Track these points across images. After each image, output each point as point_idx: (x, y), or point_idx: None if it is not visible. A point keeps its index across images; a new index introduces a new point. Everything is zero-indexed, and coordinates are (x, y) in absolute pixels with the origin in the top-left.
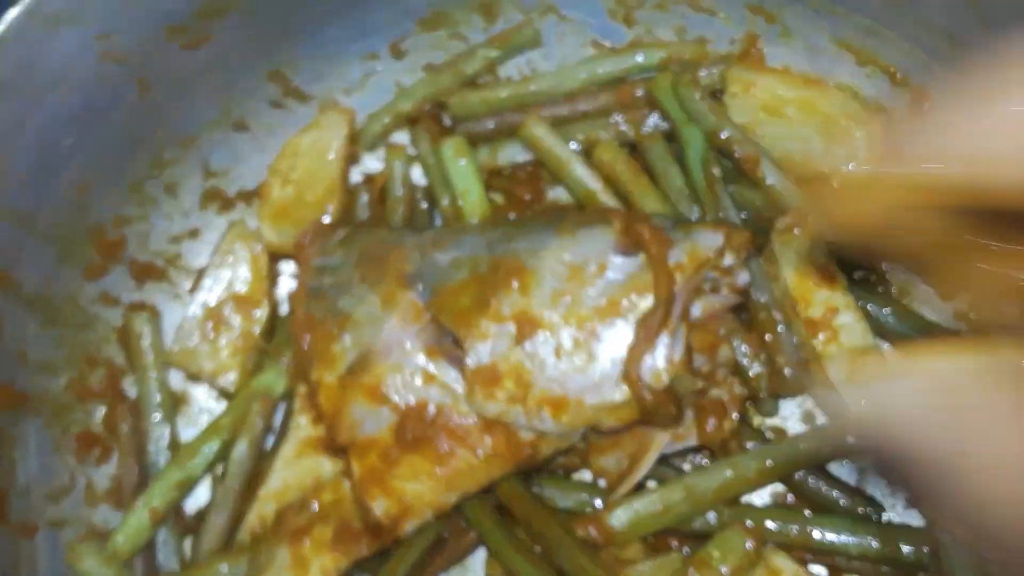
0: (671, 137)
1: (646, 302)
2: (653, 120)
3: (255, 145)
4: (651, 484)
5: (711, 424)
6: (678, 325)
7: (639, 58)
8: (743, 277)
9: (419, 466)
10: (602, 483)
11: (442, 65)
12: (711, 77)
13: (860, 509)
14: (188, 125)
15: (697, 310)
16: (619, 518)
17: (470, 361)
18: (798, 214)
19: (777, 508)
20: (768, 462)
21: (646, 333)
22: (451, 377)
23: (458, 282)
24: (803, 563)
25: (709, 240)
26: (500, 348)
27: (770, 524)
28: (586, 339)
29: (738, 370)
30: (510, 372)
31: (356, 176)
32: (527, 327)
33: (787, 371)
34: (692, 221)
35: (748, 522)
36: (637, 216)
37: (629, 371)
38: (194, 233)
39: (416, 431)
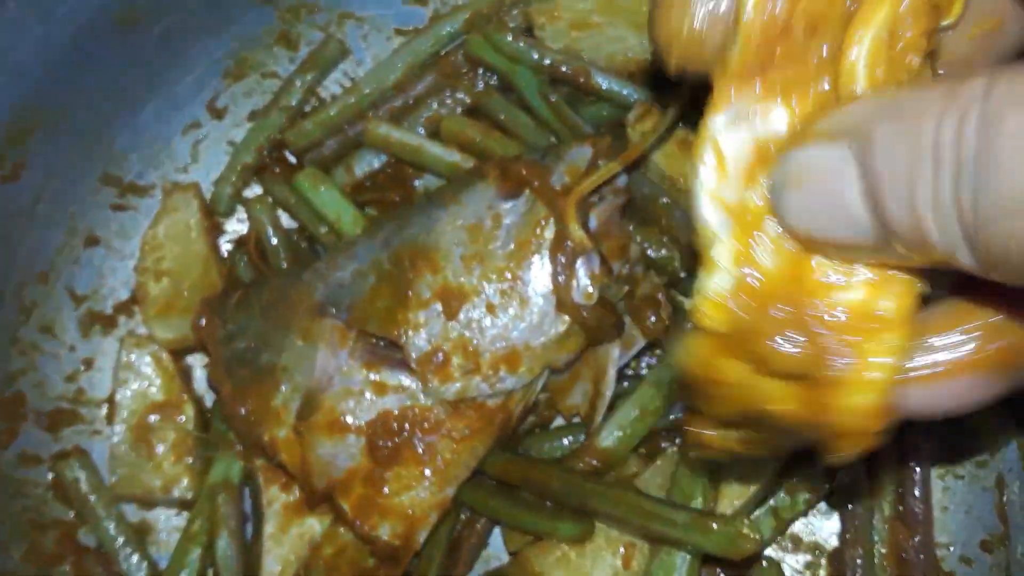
0: (505, 89)
1: (549, 231)
2: (482, 79)
3: (113, 254)
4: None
5: (651, 319)
6: (582, 239)
7: (446, 28)
8: (621, 178)
9: (406, 475)
10: (577, 420)
11: (265, 108)
12: (516, 19)
13: None
14: (39, 259)
15: (593, 221)
16: (607, 438)
17: (413, 355)
18: (642, 104)
19: None
20: None
21: (562, 258)
22: (401, 379)
23: (369, 290)
24: None
25: (579, 154)
26: (435, 331)
27: None
28: (511, 288)
29: (651, 262)
30: (454, 348)
31: (226, 246)
32: (452, 300)
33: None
34: (557, 145)
35: None
36: (507, 160)
37: (562, 299)
38: (88, 363)
39: (389, 443)
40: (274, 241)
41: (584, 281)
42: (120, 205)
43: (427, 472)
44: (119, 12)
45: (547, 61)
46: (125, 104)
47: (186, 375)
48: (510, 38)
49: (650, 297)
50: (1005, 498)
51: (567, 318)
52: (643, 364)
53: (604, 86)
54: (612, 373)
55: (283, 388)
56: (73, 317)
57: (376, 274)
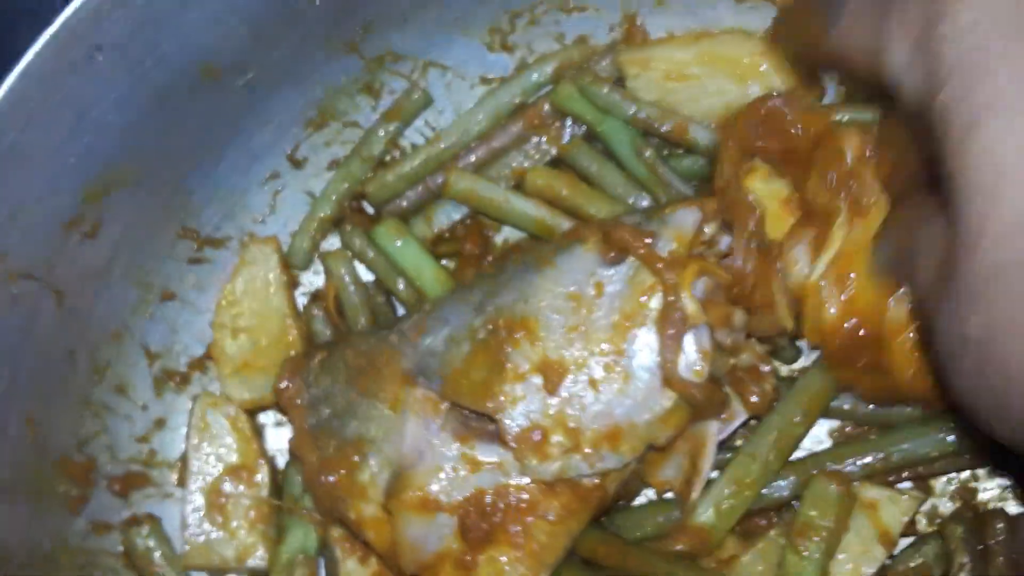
0: (592, 139)
1: (655, 301)
2: (569, 129)
3: (189, 309)
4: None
5: (753, 392)
6: (696, 311)
7: (533, 77)
8: (725, 241)
9: (499, 558)
10: (669, 495)
11: (346, 158)
12: (607, 69)
13: (918, 410)
14: (114, 316)
15: (700, 290)
16: (704, 515)
17: (509, 430)
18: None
19: (845, 444)
20: (805, 397)
21: (671, 331)
22: (496, 455)
23: (463, 358)
24: (891, 486)
25: (686, 217)
26: (534, 406)
27: (849, 464)
28: (615, 361)
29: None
30: (554, 425)
31: (303, 299)
32: (553, 374)
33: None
34: (658, 207)
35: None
36: (608, 224)
37: (670, 375)
38: (160, 423)
39: (482, 524)
40: (354, 297)
41: (693, 356)
42: (197, 259)
43: (520, 556)
44: (205, 65)
45: (642, 114)
46: (205, 156)
47: (259, 435)
48: (604, 89)
49: (753, 368)
50: None
51: (672, 394)
52: (740, 437)
53: (704, 141)
54: (712, 448)
55: (371, 461)
56: (147, 375)
57: (470, 342)
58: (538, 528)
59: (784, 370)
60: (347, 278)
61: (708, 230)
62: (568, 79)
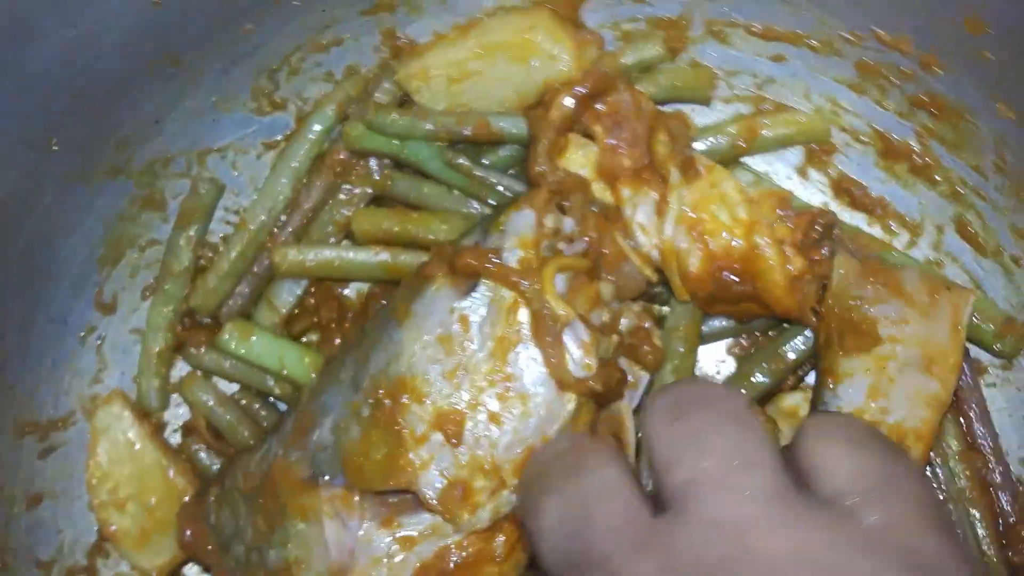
0: (403, 165)
1: (523, 314)
2: (374, 165)
3: (63, 502)
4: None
5: (647, 353)
6: (566, 310)
7: (315, 127)
8: (568, 224)
9: None
10: None
11: (157, 280)
12: (389, 92)
13: None
14: None
15: (562, 284)
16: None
17: (431, 497)
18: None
19: (745, 359)
20: (680, 330)
21: (548, 338)
22: (426, 521)
23: (357, 442)
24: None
25: (521, 220)
26: (445, 463)
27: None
28: (506, 388)
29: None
30: (472, 473)
31: (176, 437)
32: (451, 425)
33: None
34: (492, 218)
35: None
36: (447, 252)
37: (562, 380)
38: None
39: None
40: (225, 416)
41: (578, 353)
42: (48, 449)
43: None
44: None
45: (439, 126)
46: (8, 343)
47: None
48: (390, 116)
49: (637, 329)
50: None
51: (572, 395)
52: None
53: (510, 129)
54: (631, 421)
55: None
56: None
57: (358, 423)
58: (489, 572)
59: (665, 311)
60: (211, 401)
61: (548, 222)
62: (353, 118)
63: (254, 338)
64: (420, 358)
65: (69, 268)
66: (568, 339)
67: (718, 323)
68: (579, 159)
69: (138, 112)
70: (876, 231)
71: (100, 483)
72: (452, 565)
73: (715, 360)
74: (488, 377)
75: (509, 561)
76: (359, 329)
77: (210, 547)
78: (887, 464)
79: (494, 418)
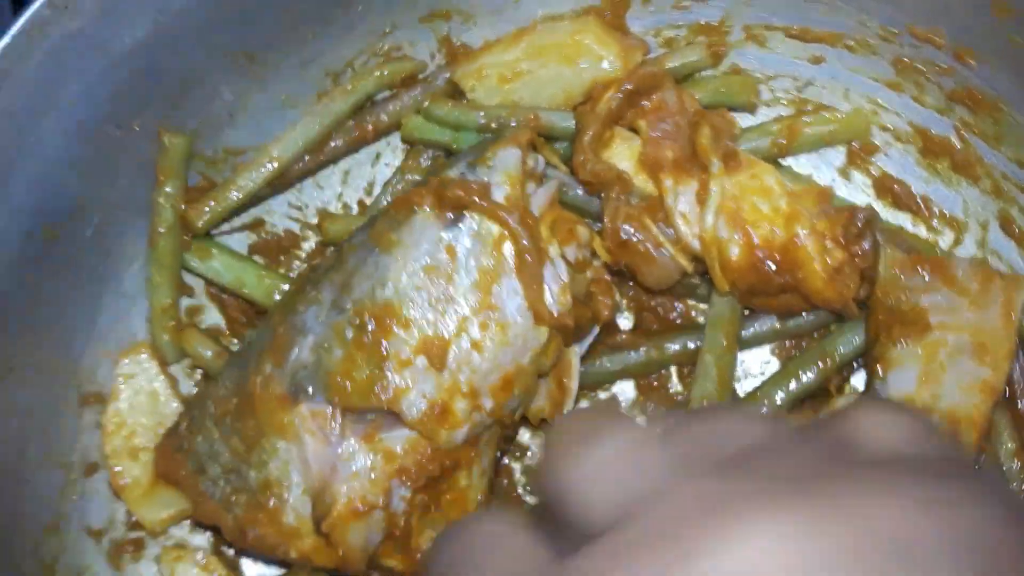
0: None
1: (508, 248)
2: (425, 157)
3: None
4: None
5: (605, 305)
6: (544, 245)
7: (362, 85)
8: (539, 163)
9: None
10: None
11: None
12: (444, 92)
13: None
14: (44, 509)
15: (535, 210)
16: None
17: (412, 416)
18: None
19: (790, 360)
20: (721, 325)
21: (530, 272)
22: (405, 435)
23: (339, 362)
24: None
25: (509, 157)
26: (428, 386)
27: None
28: (488, 317)
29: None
30: (452, 395)
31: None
32: (436, 351)
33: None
34: (476, 149)
35: None
36: (436, 184)
37: (540, 313)
38: None
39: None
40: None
41: (555, 288)
42: None
43: (450, 500)
44: (45, 226)
45: (491, 118)
46: (77, 316)
47: (235, 568)
48: (446, 106)
49: (599, 280)
50: None
51: (546, 328)
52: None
53: (559, 123)
54: (577, 367)
55: (288, 499)
56: (99, 554)
57: (340, 343)
58: (458, 480)
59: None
60: (209, 353)
61: (531, 163)
62: (409, 110)
63: (214, 257)
64: (407, 285)
65: (138, 248)
66: (548, 275)
67: (762, 326)
68: (624, 152)
69: (214, 106)
70: (920, 230)
71: (117, 429)
72: (427, 477)
73: (760, 361)
74: (472, 306)
75: (476, 464)
76: (334, 253)
77: (183, 473)
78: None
79: (476, 345)
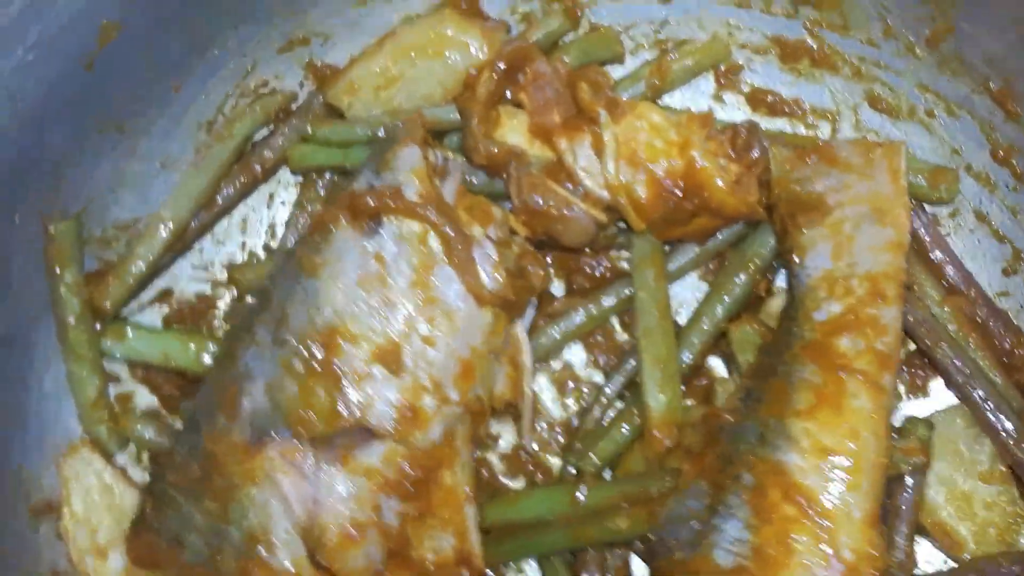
0: (347, 175)
1: (433, 240)
2: (320, 187)
3: None
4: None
5: (537, 276)
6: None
7: (237, 128)
8: (439, 157)
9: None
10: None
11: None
12: (322, 115)
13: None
14: None
15: (451, 198)
16: (655, 402)
17: (385, 426)
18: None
19: (715, 280)
20: (647, 262)
21: (460, 260)
22: (378, 449)
23: (296, 394)
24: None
25: (409, 157)
26: (390, 392)
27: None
28: (432, 309)
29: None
30: (417, 395)
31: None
32: (390, 356)
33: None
34: (373, 157)
35: None
36: (347, 199)
37: (480, 295)
38: None
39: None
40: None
41: (488, 267)
42: None
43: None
44: None
45: (375, 128)
46: None
47: None
48: (331, 126)
49: (525, 253)
50: (995, 223)
51: (488, 307)
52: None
53: (444, 117)
54: (526, 342)
55: (276, 545)
56: None
57: (292, 377)
58: (443, 479)
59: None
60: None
61: (432, 157)
62: (291, 141)
63: (131, 338)
64: (345, 302)
65: (51, 346)
66: (478, 256)
67: (685, 256)
68: (514, 126)
69: (92, 181)
70: (800, 129)
71: (77, 531)
72: (411, 483)
73: (692, 289)
74: (414, 304)
75: (456, 462)
76: (260, 293)
77: (160, 553)
78: None
79: (427, 340)
